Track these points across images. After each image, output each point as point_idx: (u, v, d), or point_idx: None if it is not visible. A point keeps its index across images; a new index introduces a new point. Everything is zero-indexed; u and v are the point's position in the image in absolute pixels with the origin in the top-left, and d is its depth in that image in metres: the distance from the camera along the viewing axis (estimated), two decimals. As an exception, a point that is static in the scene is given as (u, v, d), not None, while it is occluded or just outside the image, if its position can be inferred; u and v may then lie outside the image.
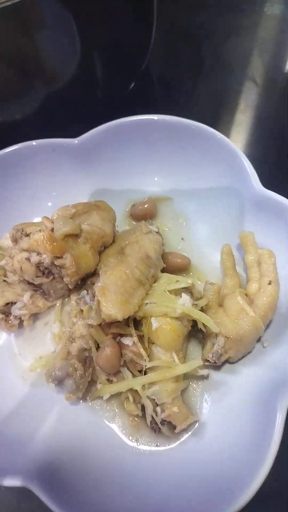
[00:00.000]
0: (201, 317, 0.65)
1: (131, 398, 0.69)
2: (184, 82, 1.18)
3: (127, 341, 0.67)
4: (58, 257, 0.66)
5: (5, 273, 0.75)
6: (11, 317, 0.74)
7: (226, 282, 0.76)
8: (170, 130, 0.79)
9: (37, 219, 0.83)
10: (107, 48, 0.97)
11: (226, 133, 0.95)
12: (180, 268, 0.79)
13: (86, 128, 0.83)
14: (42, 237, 0.65)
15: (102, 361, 0.66)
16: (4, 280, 0.75)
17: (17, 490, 0.59)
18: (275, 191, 0.73)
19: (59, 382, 0.66)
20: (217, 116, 1.09)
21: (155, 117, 0.78)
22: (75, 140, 0.83)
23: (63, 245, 0.66)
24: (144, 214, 0.86)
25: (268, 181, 0.75)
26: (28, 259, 0.66)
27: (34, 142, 0.79)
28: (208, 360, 0.69)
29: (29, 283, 0.72)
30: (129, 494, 0.62)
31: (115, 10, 0.89)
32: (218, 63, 1.19)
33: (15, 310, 0.73)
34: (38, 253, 0.66)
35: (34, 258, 0.66)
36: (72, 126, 0.86)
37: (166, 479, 0.64)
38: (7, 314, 0.73)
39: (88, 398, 0.71)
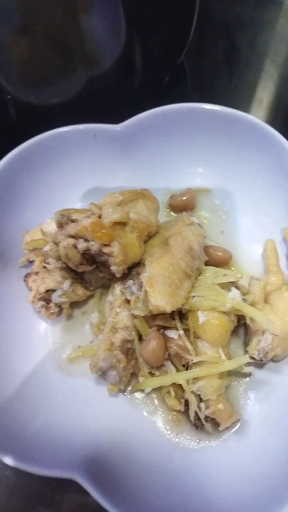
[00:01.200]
0: (254, 313, 0.63)
1: (172, 393, 0.67)
2: (219, 76, 1.15)
3: (172, 334, 0.66)
4: (106, 245, 0.64)
5: (45, 259, 0.73)
6: (51, 305, 0.72)
7: (270, 278, 0.74)
8: (219, 120, 0.77)
9: (78, 205, 0.81)
10: (149, 37, 0.94)
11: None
12: (221, 262, 0.77)
13: (120, 118, 0.79)
14: (91, 223, 0.63)
15: (148, 354, 0.64)
16: (44, 267, 0.73)
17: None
18: None
19: (103, 373, 0.64)
20: (253, 110, 1.06)
21: (206, 106, 0.76)
22: (117, 127, 0.80)
23: (112, 233, 0.64)
24: (183, 206, 0.84)
25: None
26: (75, 245, 0.64)
27: (81, 126, 0.77)
28: (253, 358, 0.67)
29: (71, 270, 0.70)
30: (171, 491, 0.60)
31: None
32: (254, 56, 1.16)
33: (56, 298, 0.71)
34: (86, 240, 0.64)
35: (82, 244, 0.64)
36: (104, 115, 0.83)
37: (208, 478, 0.63)
38: (47, 301, 0.71)
39: (127, 391, 0.69)
